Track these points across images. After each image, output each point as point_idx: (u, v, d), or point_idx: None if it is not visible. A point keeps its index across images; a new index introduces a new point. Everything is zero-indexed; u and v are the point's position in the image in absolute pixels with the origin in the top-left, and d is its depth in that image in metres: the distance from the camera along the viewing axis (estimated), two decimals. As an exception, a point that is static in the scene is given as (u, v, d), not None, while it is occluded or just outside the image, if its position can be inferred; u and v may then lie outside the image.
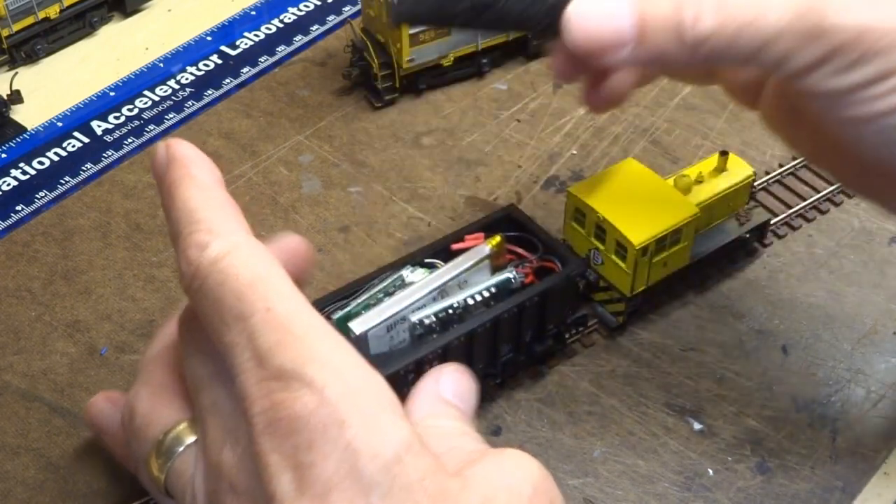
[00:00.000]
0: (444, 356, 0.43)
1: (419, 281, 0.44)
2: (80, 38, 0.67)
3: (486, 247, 0.46)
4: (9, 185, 0.58)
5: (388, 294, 0.44)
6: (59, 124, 0.62)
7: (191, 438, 0.35)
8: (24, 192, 0.58)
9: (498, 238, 0.46)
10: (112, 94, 0.64)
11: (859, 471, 0.45)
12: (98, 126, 0.62)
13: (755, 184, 0.53)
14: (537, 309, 0.46)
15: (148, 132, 0.61)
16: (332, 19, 0.69)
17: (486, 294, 0.44)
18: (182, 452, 0.35)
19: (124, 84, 0.64)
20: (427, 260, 0.46)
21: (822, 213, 0.55)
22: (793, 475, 0.45)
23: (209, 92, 0.64)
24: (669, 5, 0.36)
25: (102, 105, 0.63)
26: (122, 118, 0.62)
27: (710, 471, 0.45)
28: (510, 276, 0.45)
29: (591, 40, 0.36)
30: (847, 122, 0.35)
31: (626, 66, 0.39)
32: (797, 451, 0.46)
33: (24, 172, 0.59)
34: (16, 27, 0.64)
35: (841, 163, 0.41)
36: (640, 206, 0.48)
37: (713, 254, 0.50)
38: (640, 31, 0.36)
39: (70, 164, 0.59)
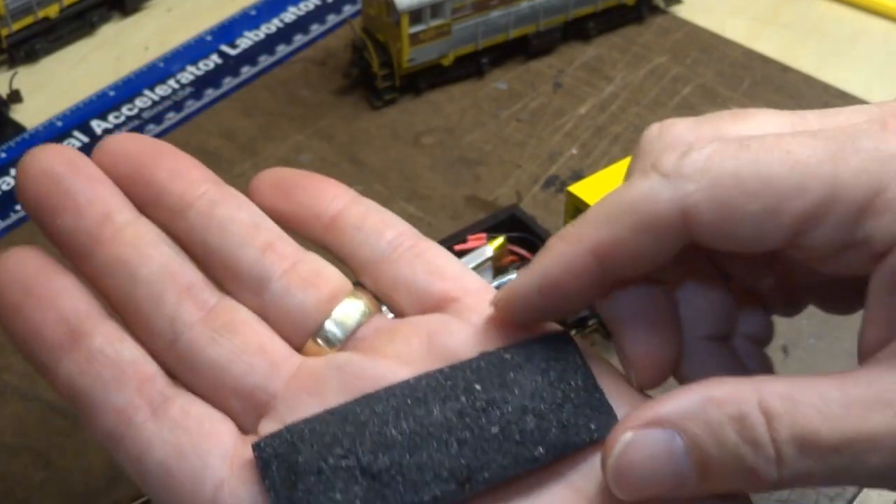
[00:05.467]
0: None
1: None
2: (79, 38, 0.67)
3: (488, 248, 0.45)
4: (9, 185, 0.58)
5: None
6: (59, 124, 0.62)
7: None
8: (24, 191, 0.58)
9: (501, 240, 0.46)
10: (112, 93, 0.64)
11: (859, 471, 0.45)
12: (98, 126, 0.62)
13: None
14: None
15: (148, 132, 0.61)
16: (332, 19, 0.69)
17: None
18: None
19: (124, 84, 0.64)
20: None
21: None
22: (793, 475, 0.45)
23: (209, 91, 0.64)
24: (734, 437, 0.27)
25: (102, 105, 0.63)
26: (122, 118, 0.62)
27: (711, 471, 0.45)
28: (513, 278, 0.45)
29: (641, 489, 0.28)
30: None
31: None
32: (797, 452, 0.46)
33: (24, 172, 0.59)
34: (15, 27, 0.64)
35: None
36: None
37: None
38: (701, 471, 0.27)
39: (70, 163, 0.59)
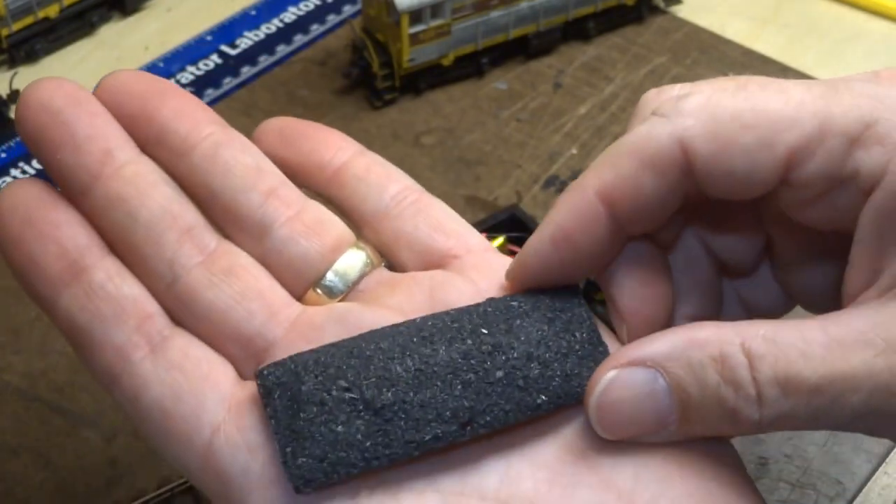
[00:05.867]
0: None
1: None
2: (79, 38, 0.67)
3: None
4: (8, 184, 0.58)
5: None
6: (59, 124, 0.62)
7: None
8: (24, 191, 0.58)
9: (501, 240, 0.46)
10: (112, 93, 0.64)
11: (859, 470, 0.45)
12: (98, 126, 0.62)
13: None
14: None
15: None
16: (332, 19, 0.69)
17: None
18: None
19: (124, 84, 0.64)
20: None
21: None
22: (792, 475, 0.45)
23: (209, 92, 0.64)
24: (715, 378, 0.27)
25: (102, 105, 0.63)
26: (122, 118, 0.62)
27: (711, 471, 0.45)
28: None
29: (622, 428, 0.29)
30: None
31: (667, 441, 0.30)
32: (797, 451, 0.46)
33: (24, 172, 0.59)
34: (15, 27, 0.64)
35: None
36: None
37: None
38: (682, 412, 0.28)
39: (70, 163, 0.59)
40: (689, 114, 0.29)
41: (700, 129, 0.28)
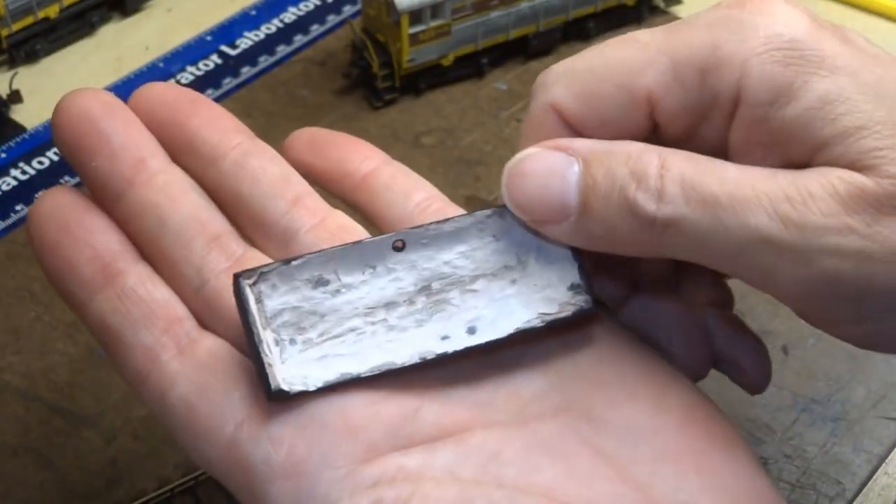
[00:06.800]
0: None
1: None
2: (79, 38, 0.67)
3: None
4: (9, 185, 0.58)
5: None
6: (59, 124, 0.62)
7: None
8: (24, 192, 0.58)
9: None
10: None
11: (859, 471, 0.45)
12: (98, 126, 0.62)
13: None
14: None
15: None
16: (332, 19, 0.69)
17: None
18: None
19: (124, 84, 0.64)
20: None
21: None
22: (792, 475, 0.45)
23: (209, 91, 0.64)
24: (624, 170, 0.29)
25: (102, 105, 0.63)
26: (122, 118, 0.62)
27: (711, 471, 0.45)
28: None
29: (527, 202, 0.31)
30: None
31: (569, 242, 0.31)
32: (797, 452, 0.46)
33: (24, 172, 0.59)
34: (15, 27, 0.64)
35: None
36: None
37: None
38: (585, 199, 0.30)
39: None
40: (552, 82, 0.32)
41: (564, 91, 0.31)
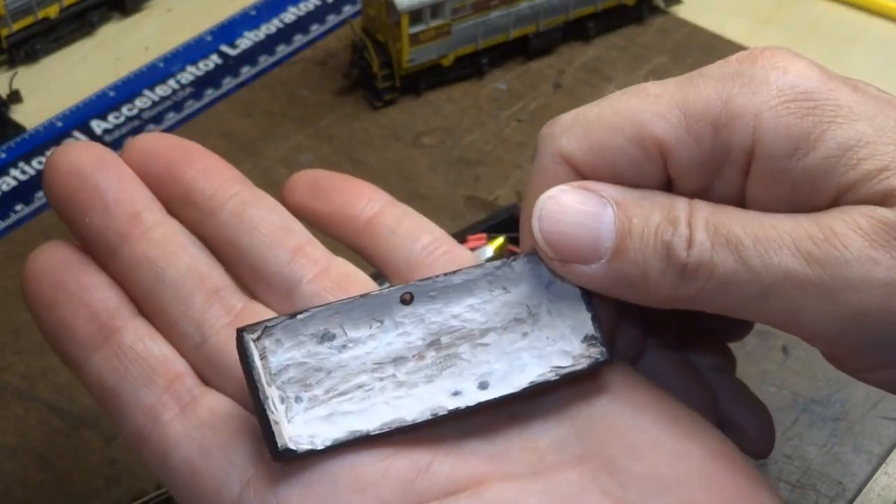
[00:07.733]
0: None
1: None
2: (79, 38, 0.67)
3: (488, 248, 0.45)
4: (8, 185, 0.58)
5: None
6: (59, 124, 0.62)
7: None
8: (24, 192, 0.58)
9: (501, 240, 0.46)
10: (112, 93, 0.64)
11: (860, 471, 0.45)
12: (98, 126, 0.62)
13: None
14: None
15: (148, 132, 0.61)
16: (332, 19, 0.69)
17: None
18: None
19: (124, 84, 0.64)
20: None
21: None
22: (792, 475, 0.45)
23: (209, 92, 0.64)
24: (659, 216, 0.29)
25: (102, 105, 0.63)
26: (122, 118, 0.62)
27: (711, 471, 0.45)
28: None
29: (557, 239, 0.30)
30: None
31: (594, 286, 0.30)
32: (797, 452, 0.46)
33: (24, 172, 0.59)
34: (15, 27, 0.64)
35: None
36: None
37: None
38: (621, 241, 0.29)
39: (70, 163, 0.59)
40: (560, 133, 0.31)
41: (574, 142, 0.30)
